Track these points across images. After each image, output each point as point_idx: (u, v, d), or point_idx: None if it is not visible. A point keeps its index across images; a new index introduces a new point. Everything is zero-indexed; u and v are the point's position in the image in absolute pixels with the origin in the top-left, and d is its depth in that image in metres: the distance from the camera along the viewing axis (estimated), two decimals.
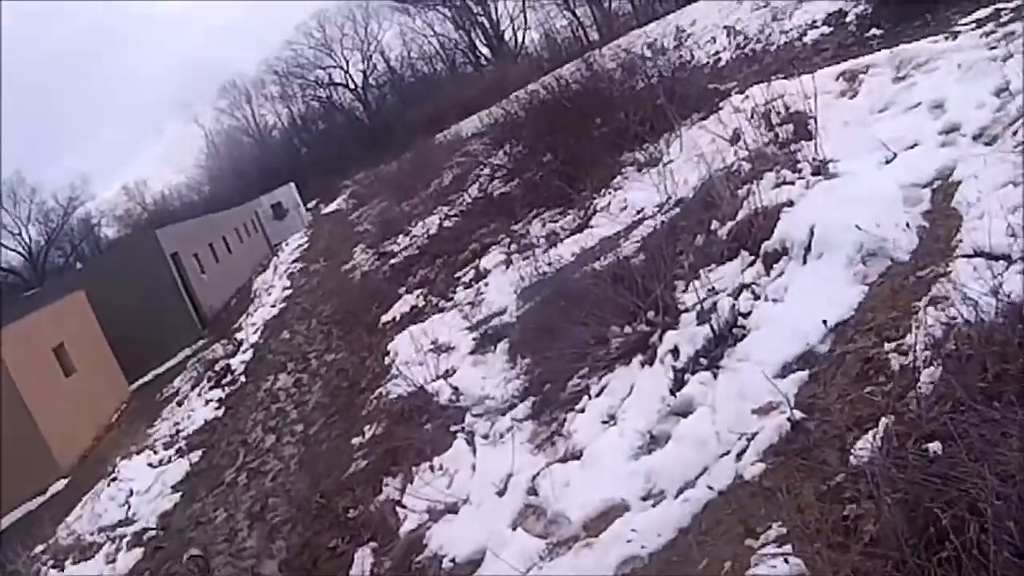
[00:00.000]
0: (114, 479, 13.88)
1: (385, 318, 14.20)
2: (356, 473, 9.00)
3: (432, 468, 7.73)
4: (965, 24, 9.56)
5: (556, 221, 12.51)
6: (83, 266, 47.69)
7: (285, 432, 12.59)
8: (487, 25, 69.80)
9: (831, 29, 14.09)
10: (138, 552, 10.78)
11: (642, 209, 10.43)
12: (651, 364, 6.57)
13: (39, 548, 12.23)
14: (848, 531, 3.87)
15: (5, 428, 15.81)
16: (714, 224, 7.82)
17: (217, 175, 79.04)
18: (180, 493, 12.38)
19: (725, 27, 20.02)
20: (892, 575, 3.47)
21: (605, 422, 6.42)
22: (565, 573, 5.19)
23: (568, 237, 11.31)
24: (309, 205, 56.05)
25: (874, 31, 12.20)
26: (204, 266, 29.62)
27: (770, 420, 4.99)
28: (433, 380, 9.34)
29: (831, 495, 4.18)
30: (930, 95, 7.99)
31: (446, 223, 18.00)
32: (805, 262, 6.28)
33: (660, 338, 6.69)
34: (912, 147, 7.27)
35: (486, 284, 12.06)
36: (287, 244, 44.19)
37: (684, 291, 7.20)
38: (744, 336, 6.04)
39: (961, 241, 5.50)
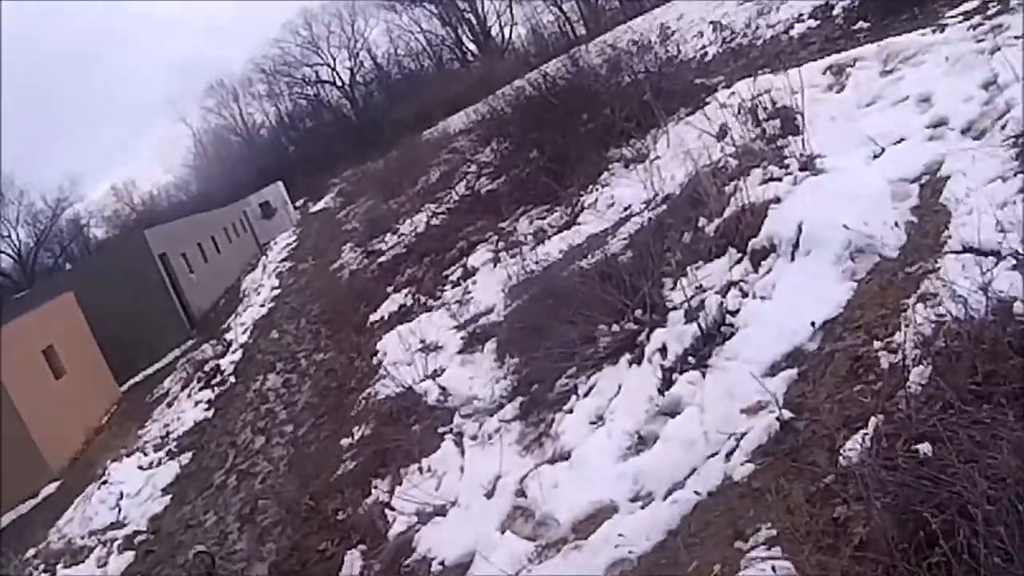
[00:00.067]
0: (105, 482, 13.82)
1: (373, 317, 14.12)
2: (345, 475, 8.97)
3: (420, 470, 7.72)
4: (952, 17, 9.52)
5: (543, 218, 12.44)
6: (72, 267, 47.44)
7: (274, 433, 12.53)
8: (474, 21, 69.72)
9: (818, 23, 14.07)
10: (129, 555, 10.77)
11: (629, 206, 10.37)
12: (639, 363, 6.53)
13: (31, 552, 12.22)
14: (838, 533, 3.84)
15: None
16: (701, 221, 7.76)
17: (205, 174, 78.50)
18: (170, 496, 12.33)
19: (711, 22, 20.02)
20: None
21: (593, 423, 6.39)
22: None
23: (555, 234, 11.24)
24: (297, 203, 55.76)
25: (861, 24, 12.19)
26: (193, 266, 29.43)
27: (759, 420, 4.96)
28: (421, 380, 9.31)
29: (821, 496, 4.15)
30: (917, 89, 7.96)
31: (433, 221, 17.86)
32: (793, 259, 6.25)
33: (648, 337, 6.65)
34: (900, 142, 7.25)
35: (474, 282, 11.99)
36: (276, 243, 43.95)
37: (672, 289, 7.15)
38: (732, 334, 6.00)
39: (950, 237, 5.47)
